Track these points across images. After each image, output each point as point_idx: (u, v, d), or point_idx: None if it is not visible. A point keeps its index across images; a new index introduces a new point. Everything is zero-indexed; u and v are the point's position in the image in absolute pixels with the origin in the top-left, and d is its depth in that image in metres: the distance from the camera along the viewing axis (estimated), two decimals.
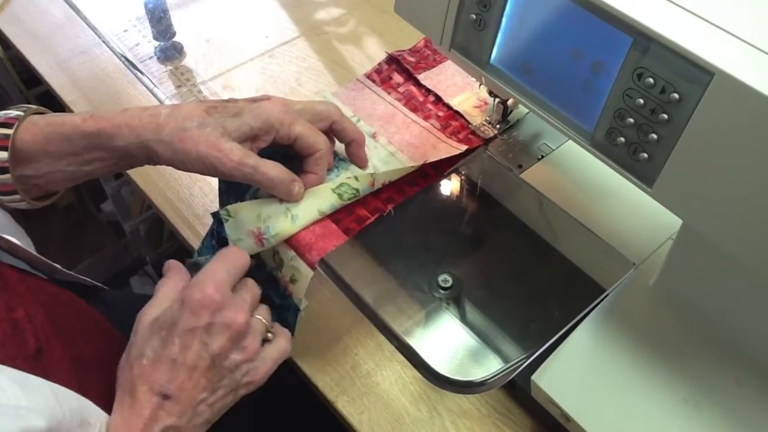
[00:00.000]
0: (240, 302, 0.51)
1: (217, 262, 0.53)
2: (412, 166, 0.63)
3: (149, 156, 0.55)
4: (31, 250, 0.63)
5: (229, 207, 0.57)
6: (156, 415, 0.48)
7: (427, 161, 0.64)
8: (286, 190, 0.56)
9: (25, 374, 0.44)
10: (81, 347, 0.56)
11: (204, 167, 0.54)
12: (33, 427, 0.40)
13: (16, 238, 0.60)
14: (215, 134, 0.53)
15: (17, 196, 0.57)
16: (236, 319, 0.50)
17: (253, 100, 0.57)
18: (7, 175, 0.55)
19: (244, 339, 0.51)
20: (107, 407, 0.49)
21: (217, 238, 0.62)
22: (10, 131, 0.55)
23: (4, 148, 0.54)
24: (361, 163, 0.62)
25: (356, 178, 0.61)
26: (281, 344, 0.55)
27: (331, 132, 0.60)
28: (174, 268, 0.56)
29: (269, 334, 0.54)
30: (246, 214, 0.57)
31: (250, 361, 0.52)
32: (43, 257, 0.63)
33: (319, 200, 0.58)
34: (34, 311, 0.53)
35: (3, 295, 0.52)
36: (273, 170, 0.55)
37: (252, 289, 0.54)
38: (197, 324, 0.49)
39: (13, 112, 0.56)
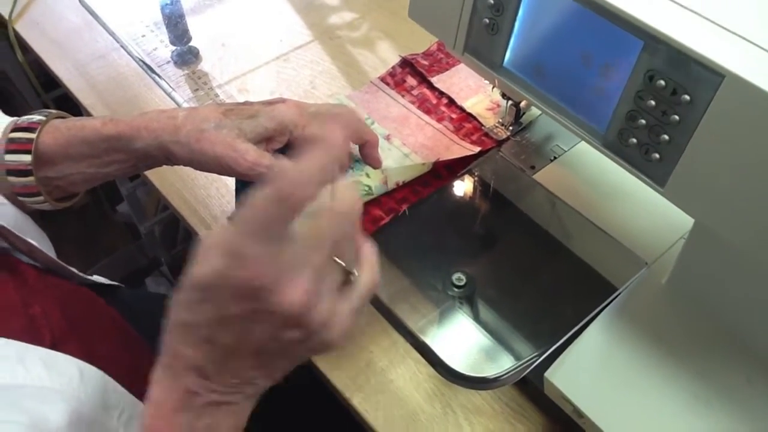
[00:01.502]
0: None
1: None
2: (424, 164, 0.65)
3: (167, 157, 0.57)
4: (51, 252, 0.64)
5: None
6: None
7: (440, 159, 0.65)
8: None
9: (52, 353, 0.45)
10: (96, 344, 0.57)
11: (220, 167, 0.55)
12: (52, 411, 0.41)
13: (37, 240, 0.61)
14: (231, 135, 0.55)
15: (40, 198, 0.59)
16: (286, 300, 0.37)
17: (269, 103, 0.58)
18: (31, 177, 0.57)
19: (306, 315, 0.38)
20: None
21: None
22: (33, 135, 0.57)
23: (28, 152, 0.56)
24: (375, 163, 0.63)
25: (368, 174, 0.62)
26: (364, 284, 0.42)
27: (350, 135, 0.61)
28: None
29: (351, 276, 0.41)
30: None
31: (317, 333, 0.39)
32: (61, 262, 0.65)
33: None
34: (50, 308, 0.54)
35: (21, 292, 0.53)
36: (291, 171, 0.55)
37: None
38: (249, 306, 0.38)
39: (35, 117, 0.58)
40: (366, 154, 0.63)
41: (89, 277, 0.70)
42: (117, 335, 0.63)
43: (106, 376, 0.48)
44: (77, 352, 0.53)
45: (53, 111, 0.60)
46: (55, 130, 0.58)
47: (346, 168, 0.63)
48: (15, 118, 0.60)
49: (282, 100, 0.59)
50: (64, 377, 0.44)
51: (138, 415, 0.50)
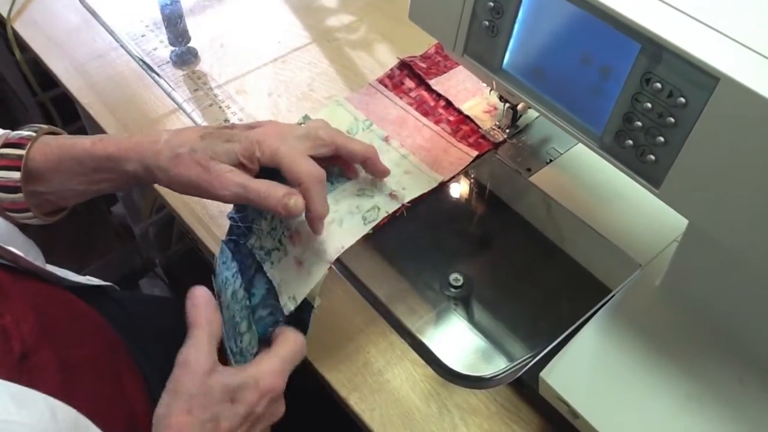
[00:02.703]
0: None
1: (293, 348, 0.56)
2: (434, 180, 0.66)
3: (153, 179, 0.57)
4: (39, 260, 0.63)
5: (289, 298, 0.58)
6: None
7: (445, 180, 0.66)
8: (280, 204, 0.54)
9: (21, 388, 0.44)
10: (72, 349, 0.56)
11: (198, 190, 0.55)
12: None
13: (25, 249, 0.61)
14: (205, 158, 0.55)
15: (29, 213, 0.59)
16: (279, 412, 0.55)
17: (250, 127, 0.58)
18: (20, 194, 0.57)
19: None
20: (95, 409, 0.49)
21: (234, 244, 0.64)
22: (23, 152, 0.57)
23: (17, 168, 0.57)
24: (382, 175, 0.63)
25: (374, 182, 0.63)
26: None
27: (340, 156, 0.60)
28: (204, 305, 0.56)
29: None
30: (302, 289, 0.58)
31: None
32: (48, 268, 0.64)
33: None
34: (23, 316, 0.53)
35: None
36: (263, 185, 0.54)
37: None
38: (256, 410, 0.52)
39: (25, 132, 0.58)
40: (370, 169, 0.62)
41: (78, 279, 0.70)
42: (96, 340, 0.62)
43: (78, 414, 0.47)
44: (50, 361, 0.52)
45: (44, 126, 0.60)
46: (46, 146, 0.58)
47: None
48: (5, 131, 0.60)
49: (265, 123, 0.59)
50: (34, 412, 0.43)
51: None
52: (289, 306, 0.57)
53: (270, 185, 0.54)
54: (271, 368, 0.53)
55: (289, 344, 0.56)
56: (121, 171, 0.57)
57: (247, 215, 0.63)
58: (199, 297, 0.55)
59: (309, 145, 0.57)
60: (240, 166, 0.55)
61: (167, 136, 0.57)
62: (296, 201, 0.54)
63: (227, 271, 0.64)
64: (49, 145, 0.58)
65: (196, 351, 0.52)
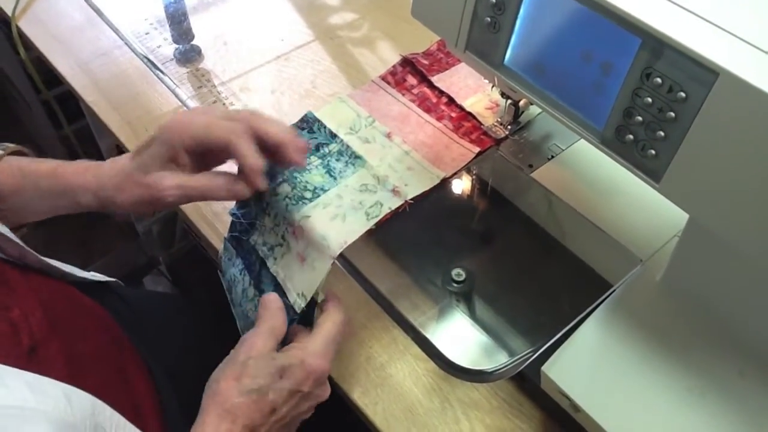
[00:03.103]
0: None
1: (333, 329, 0.58)
2: (435, 176, 0.66)
3: (107, 207, 0.59)
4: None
5: (298, 295, 0.59)
6: None
7: (447, 176, 0.66)
8: (224, 190, 0.56)
9: (37, 376, 0.44)
10: (78, 343, 0.57)
11: (150, 206, 0.57)
12: (36, 430, 0.41)
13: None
14: (139, 175, 0.56)
15: None
16: (326, 394, 0.57)
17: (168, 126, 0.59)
18: None
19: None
20: (102, 400, 0.49)
21: (237, 241, 0.65)
22: None
23: None
24: (289, 165, 0.61)
25: (377, 178, 0.63)
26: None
27: (259, 143, 0.57)
28: (277, 305, 0.58)
29: None
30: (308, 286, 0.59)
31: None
32: (53, 263, 0.65)
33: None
34: (31, 310, 0.54)
35: (1, 295, 0.54)
36: (202, 179, 0.56)
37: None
38: (302, 388, 0.54)
39: None
40: (282, 158, 0.57)
41: (82, 274, 0.70)
42: (102, 335, 0.63)
43: (96, 400, 0.47)
44: (58, 354, 0.53)
45: (10, 145, 0.61)
46: (9, 167, 0.59)
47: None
48: None
49: (178, 115, 0.59)
50: (48, 398, 0.43)
51: None
52: (299, 303, 0.58)
53: (210, 177, 0.56)
54: (315, 350, 0.55)
55: (328, 325, 0.57)
56: (76, 202, 0.59)
57: (250, 211, 0.63)
58: (270, 302, 0.58)
59: (221, 116, 0.57)
60: (172, 165, 0.56)
61: (106, 168, 0.59)
62: (243, 186, 0.56)
63: (233, 268, 0.64)
64: (12, 166, 0.59)
65: (254, 334, 0.55)
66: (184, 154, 0.56)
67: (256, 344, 0.54)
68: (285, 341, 0.58)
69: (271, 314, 0.57)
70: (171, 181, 0.55)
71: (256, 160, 0.55)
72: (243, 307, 0.63)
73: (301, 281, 0.59)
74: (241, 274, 0.64)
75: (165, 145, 0.55)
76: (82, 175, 0.59)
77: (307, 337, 0.57)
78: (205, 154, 0.57)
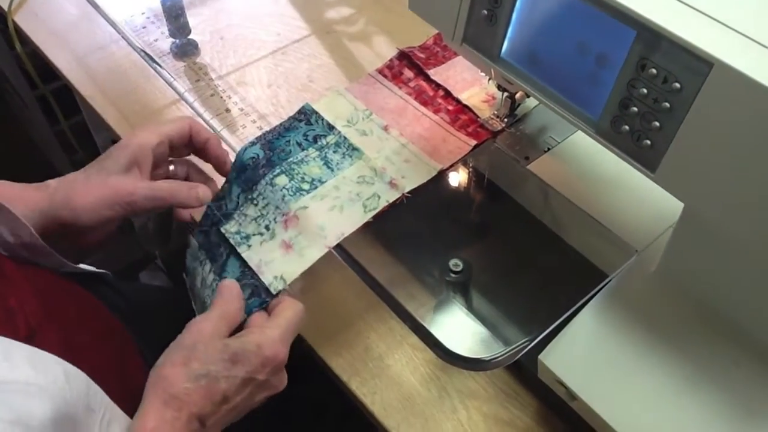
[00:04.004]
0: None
1: (294, 317, 0.55)
2: (433, 169, 0.67)
3: (57, 223, 0.57)
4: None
5: (275, 278, 0.59)
6: None
7: (444, 168, 0.67)
8: (190, 197, 0.59)
9: (39, 352, 0.44)
10: (74, 332, 0.57)
11: (111, 209, 0.57)
12: (37, 407, 0.41)
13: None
14: (101, 178, 0.57)
15: None
16: (282, 384, 0.54)
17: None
18: None
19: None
20: (99, 386, 0.50)
21: (204, 235, 0.65)
22: None
23: None
24: (215, 160, 0.65)
25: (374, 170, 0.63)
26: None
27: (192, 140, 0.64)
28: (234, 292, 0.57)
29: None
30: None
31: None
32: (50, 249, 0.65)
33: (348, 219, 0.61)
34: (27, 299, 0.54)
35: None
36: (166, 185, 0.59)
37: None
38: (257, 376, 0.51)
39: None
40: (209, 154, 0.64)
41: (76, 266, 0.71)
42: (98, 325, 0.63)
43: (91, 382, 0.47)
44: (55, 342, 0.52)
45: None
46: None
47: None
48: None
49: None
50: (49, 375, 0.43)
51: (116, 419, 0.49)
52: (275, 285, 0.57)
53: (174, 184, 0.59)
54: (272, 336, 0.52)
55: (288, 313, 0.55)
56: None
57: (226, 203, 0.64)
58: (226, 287, 0.56)
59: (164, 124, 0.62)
60: (134, 166, 0.58)
61: (55, 183, 0.58)
62: (204, 192, 0.61)
63: (194, 262, 0.64)
64: None
65: (204, 318, 0.53)
66: (147, 160, 0.59)
67: (205, 328, 0.51)
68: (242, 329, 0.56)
69: (225, 300, 0.54)
70: (144, 184, 0.57)
71: (214, 134, 0.61)
72: (201, 296, 0.63)
73: (283, 264, 0.58)
74: (201, 265, 0.63)
75: (129, 155, 0.58)
76: (16, 203, 0.55)
77: (265, 322, 0.54)
78: (159, 165, 0.61)
